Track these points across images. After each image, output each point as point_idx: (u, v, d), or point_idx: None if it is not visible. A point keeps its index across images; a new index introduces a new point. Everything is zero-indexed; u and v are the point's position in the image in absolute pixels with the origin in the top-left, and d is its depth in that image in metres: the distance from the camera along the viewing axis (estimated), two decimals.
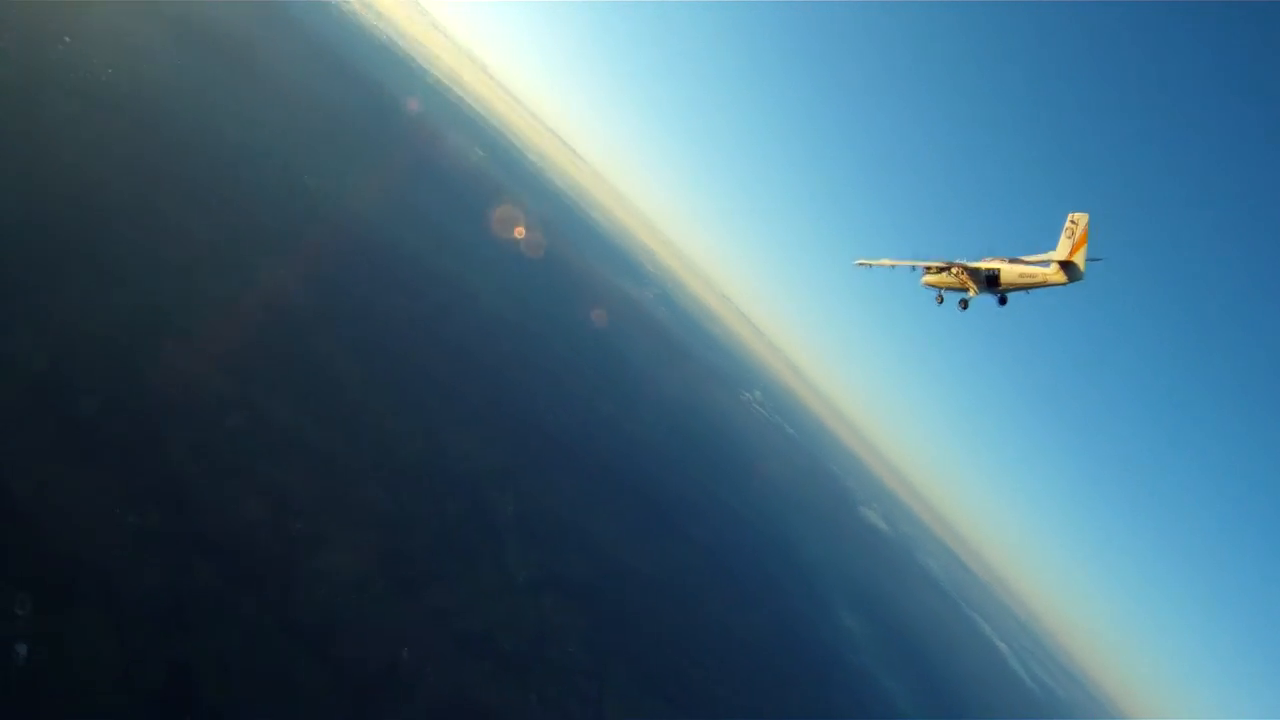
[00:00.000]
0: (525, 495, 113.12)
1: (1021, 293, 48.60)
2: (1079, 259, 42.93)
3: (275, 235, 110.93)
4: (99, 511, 58.44)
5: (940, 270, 52.31)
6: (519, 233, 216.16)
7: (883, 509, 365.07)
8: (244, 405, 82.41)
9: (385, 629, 75.87)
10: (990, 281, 49.01)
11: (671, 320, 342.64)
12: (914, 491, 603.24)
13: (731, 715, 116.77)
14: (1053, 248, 45.40)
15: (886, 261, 53.85)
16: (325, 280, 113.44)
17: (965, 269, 50.55)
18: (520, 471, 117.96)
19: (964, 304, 51.22)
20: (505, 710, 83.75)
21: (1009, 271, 47.79)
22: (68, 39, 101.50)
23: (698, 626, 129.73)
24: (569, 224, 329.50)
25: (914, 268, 53.54)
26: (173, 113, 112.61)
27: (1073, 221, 43.02)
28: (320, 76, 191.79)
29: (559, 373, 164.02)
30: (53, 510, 54.85)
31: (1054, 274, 44.61)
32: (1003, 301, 49.88)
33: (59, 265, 73.07)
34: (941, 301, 52.55)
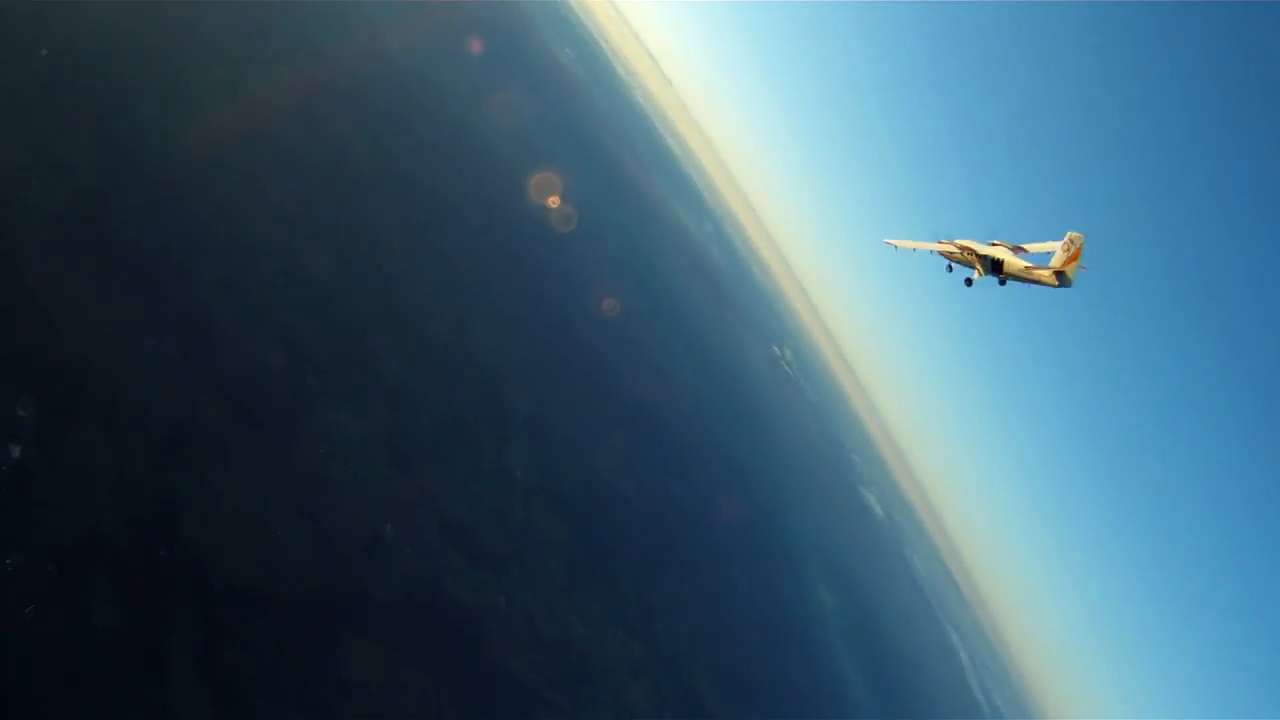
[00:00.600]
0: (540, 401, 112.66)
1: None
2: (1070, 271, 46.59)
3: (343, 92, 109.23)
4: (120, 329, 58.88)
5: (960, 248, 54.59)
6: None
7: (882, 494, 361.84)
8: (284, 251, 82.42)
9: (374, 500, 76.02)
10: (995, 266, 51.54)
11: (721, 259, 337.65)
12: (916, 484, 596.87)
13: (685, 658, 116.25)
14: (1056, 236, 48.65)
15: (912, 243, 56.76)
16: (387, 147, 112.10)
17: (974, 252, 53.08)
18: (541, 377, 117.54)
19: (969, 281, 53.67)
20: (474, 606, 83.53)
21: (1012, 263, 50.44)
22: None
23: (674, 566, 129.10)
24: (643, 143, 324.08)
25: (950, 267, 55.78)
26: None
27: (1071, 241, 46.26)
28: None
29: (599, 290, 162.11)
30: (74, 320, 55.31)
31: (1048, 276, 47.70)
32: (1002, 283, 52.26)
33: (119, 74, 71.98)
34: (951, 270, 55.22)
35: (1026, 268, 49.06)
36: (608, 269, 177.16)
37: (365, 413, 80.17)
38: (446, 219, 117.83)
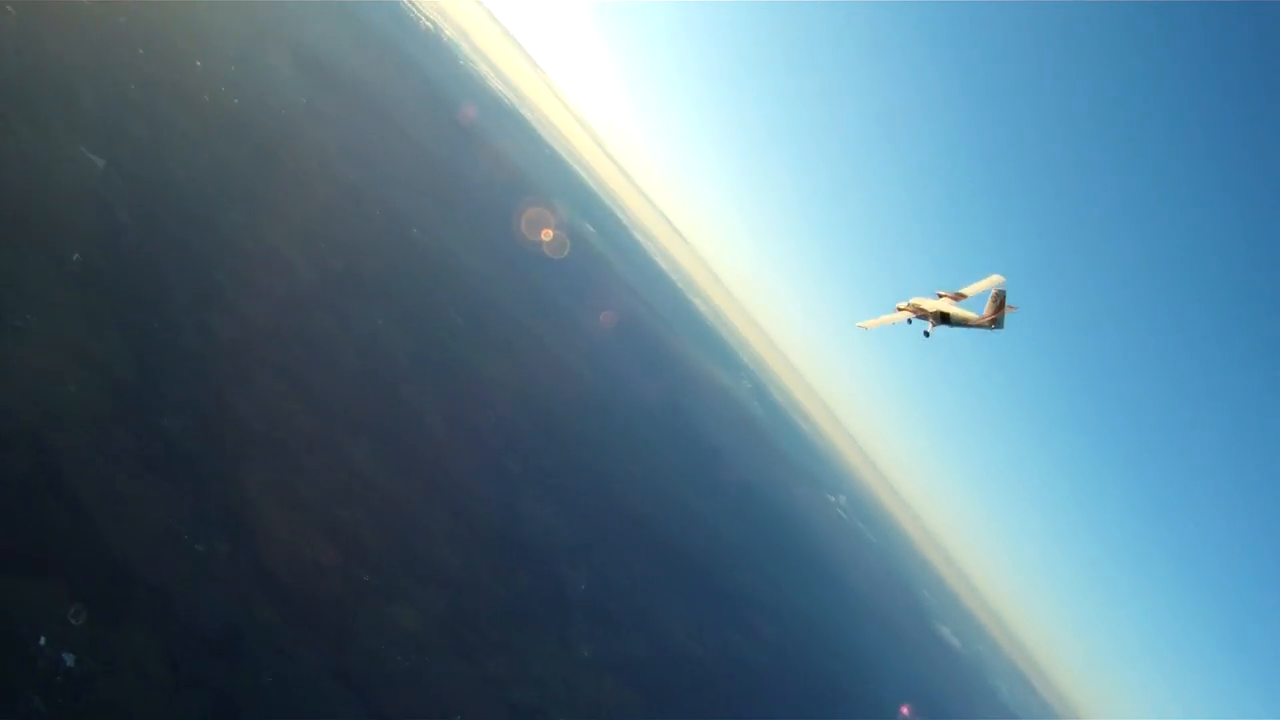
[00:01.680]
0: (598, 572, 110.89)
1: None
2: (1000, 317, 51.82)
3: (377, 282, 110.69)
4: (167, 532, 57.95)
5: (910, 306, 58.18)
6: (605, 319, 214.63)
7: (957, 626, 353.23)
8: (327, 446, 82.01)
9: (439, 691, 73.60)
10: (943, 319, 55.50)
11: (763, 413, 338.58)
12: (989, 609, 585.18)
13: None
14: (988, 269, 57.42)
15: (879, 320, 60.53)
16: (423, 333, 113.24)
17: (923, 310, 57.01)
18: (596, 548, 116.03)
19: (926, 334, 57.28)
20: None
21: (955, 314, 54.80)
22: (199, 63, 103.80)
23: None
24: (669, 304, 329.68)
25: (910, 320, 58.72)
26: (292, 147, 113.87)
27: (994, 295, 51.36)
28: (442, 129, 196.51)
29: (644, 454, 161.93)
30: (120, 524, 54.49)
31: (985, 322, 52.62)
32: (928, 332, 57.13)
33: (162, 279, 73.68)
34: (928, 335, 57.88)
35: (965, 317, 53.88)
36: (651, 433, 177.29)
37: (421, 603, 78.36)
38: (485, 399, 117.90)
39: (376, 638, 70.65)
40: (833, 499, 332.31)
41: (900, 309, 58.72)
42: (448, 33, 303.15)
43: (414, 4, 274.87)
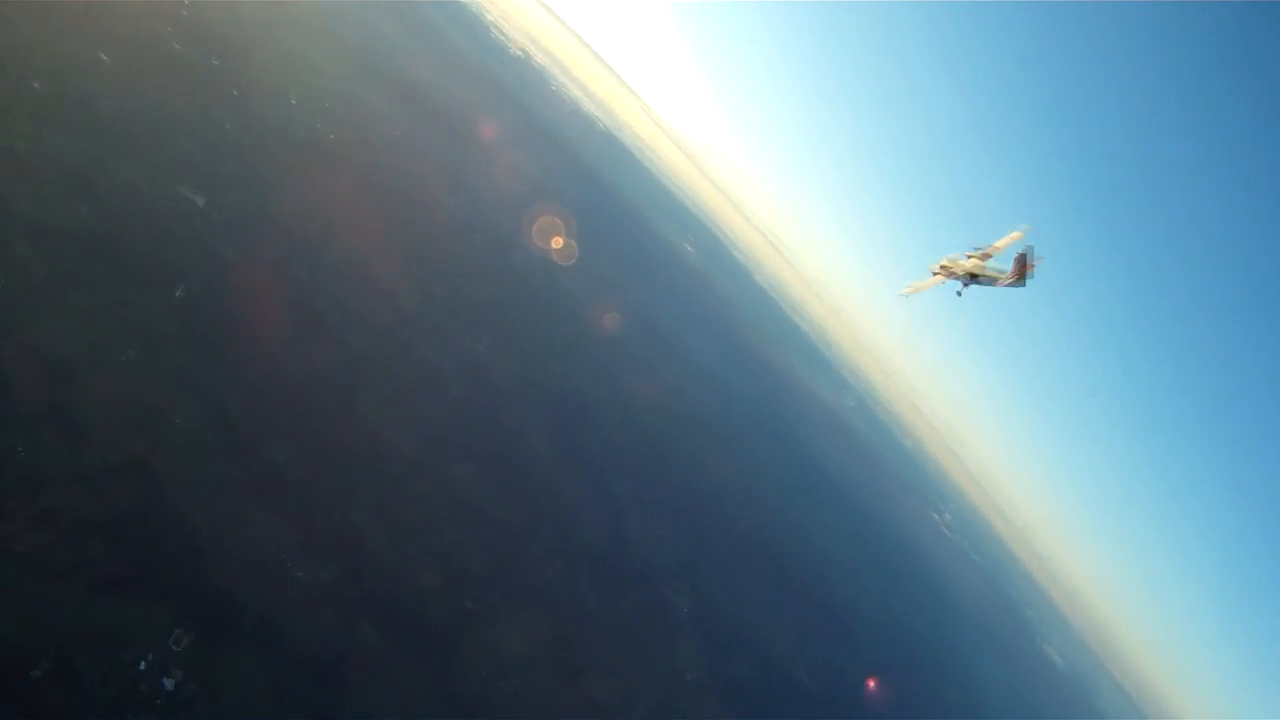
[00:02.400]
0: (703, 595, 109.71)
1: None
2: (1023, 276, 55.17)
3: (479, 308, 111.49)
4: (272, 558, 58.67)
5: (942, 269, 62.83)
6: (708, 338, 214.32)
7: (1062, 644, 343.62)
8: (431, 471, 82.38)
9: (544, 714, 72.92)
10: (971, 278, 59.77)
11: (868, 430, 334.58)
12: (1094, 626, 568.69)
13: None
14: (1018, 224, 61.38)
15: (922, 284, 64.70)
16: (525, 356, 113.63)
17: (953, 271, 61.45)
18: (701, 569, 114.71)
19: (959, 293, 61.84)
20: None
21: (983, 273, 58.92)
22: (294, 100, 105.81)
23: None
24: (772, 322, 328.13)
25: (946, 280, 63.01)
26: (390, 178, 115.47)
27: (1019, 255, 54.97)
28: (538, 154, 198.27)
29: (750, 472, 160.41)
30: (225, 551, 55.29)
31: (1009, 280, 56.25)
32: (965, 286, 61.30)
33: (265, 311, 75.12)
34: (960, 294, 62.41)
35: (993, 276, 58.20)
36: (757, 451, 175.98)
37: (524, 627, 78.04)
38: (589, 420, 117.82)
39: (479, 662, 70.50)
40: (938, 516, 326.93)
41: (935, 272, 63.39)
42: (538, 59, 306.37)
43: (503, 33, 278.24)
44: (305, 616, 57.58)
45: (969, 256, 60.49)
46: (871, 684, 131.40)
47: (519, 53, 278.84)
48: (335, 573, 62.38)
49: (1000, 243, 60.36)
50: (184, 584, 50.77)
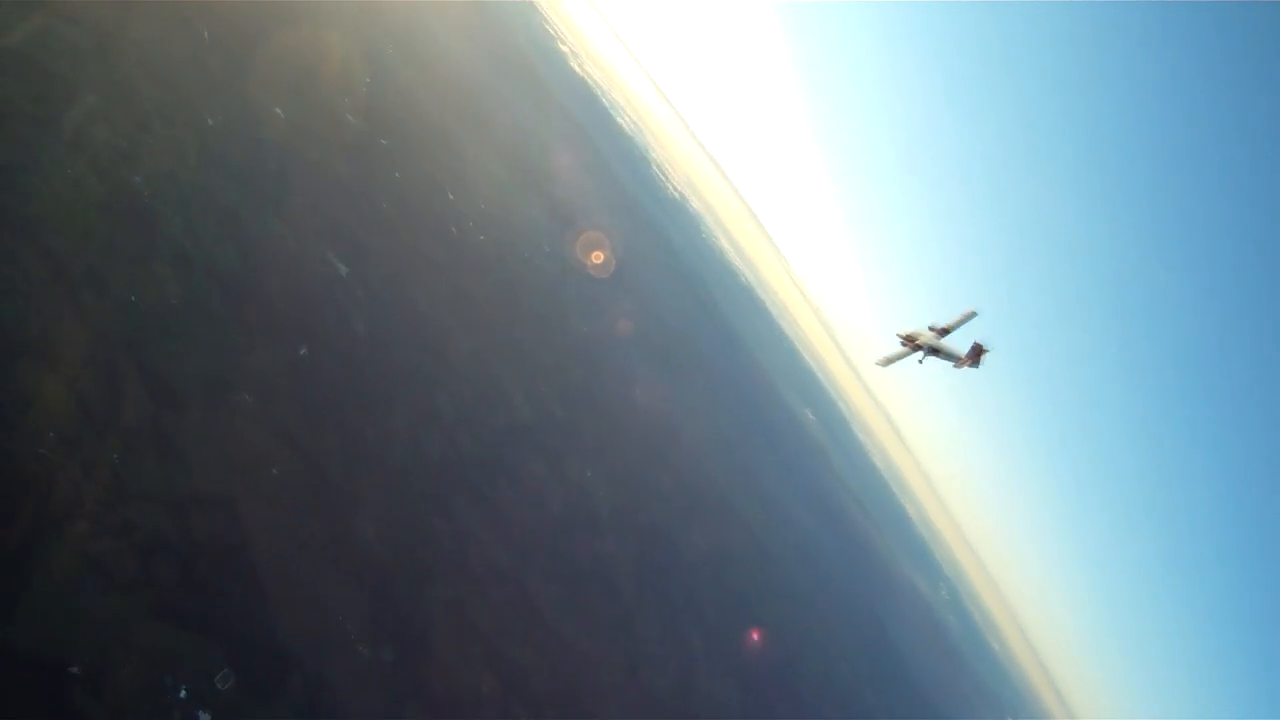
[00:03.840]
0: None
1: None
2: (977, 360, 61.52)
3: (594, 436, 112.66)
4: (336, 627, 57.81)
5: (907, 339, 67.06)
6: (814, 512, 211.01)
7: None
8: (514, 581, 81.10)
9: None
10: (931, 350, 64.61)
11: (958, 627, 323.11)
12: None
13: None
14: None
15: (894, 356, 68.53)
16: (631, 492, 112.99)
17: (916, 343, 65.92)
18: None
19: (920, 361, 66.30)
20: None
21: (941, 348, 64.04)
22: (451, 195, 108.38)
23: None
24: (879, 503, 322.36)
25: (920, 360, 67.35)
26: (530, 291, 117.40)
27: (975, 344, 61.26)
28: (679, 298, 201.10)
29: (831, 652, 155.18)
30: (291, 607, 54.60)
31: (964, 363, 62.46)
32: (921, 359, 66.51)
33: (383, 389, 76.31)
34: (921, 363, 66.82)
35: (951, 353, 63.68)
36: (842, 632, 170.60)
37: None
38: (681, 570, 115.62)
39: None
40: None
41: (901, 340, 68.10)
42: (694, 204, 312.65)
43: (664, 174, 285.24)
44: (356, 691, 56.23)
45: (931, 329, 66.28)
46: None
47: (676, 194, 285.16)
48: (395, 656, 60.96)
49: (954, 321, 66.71)
50: (243, 628, 50.14)
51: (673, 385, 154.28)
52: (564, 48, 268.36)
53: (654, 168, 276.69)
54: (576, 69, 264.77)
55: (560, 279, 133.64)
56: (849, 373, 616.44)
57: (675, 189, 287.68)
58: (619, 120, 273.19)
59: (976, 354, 61.84)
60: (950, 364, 65.86)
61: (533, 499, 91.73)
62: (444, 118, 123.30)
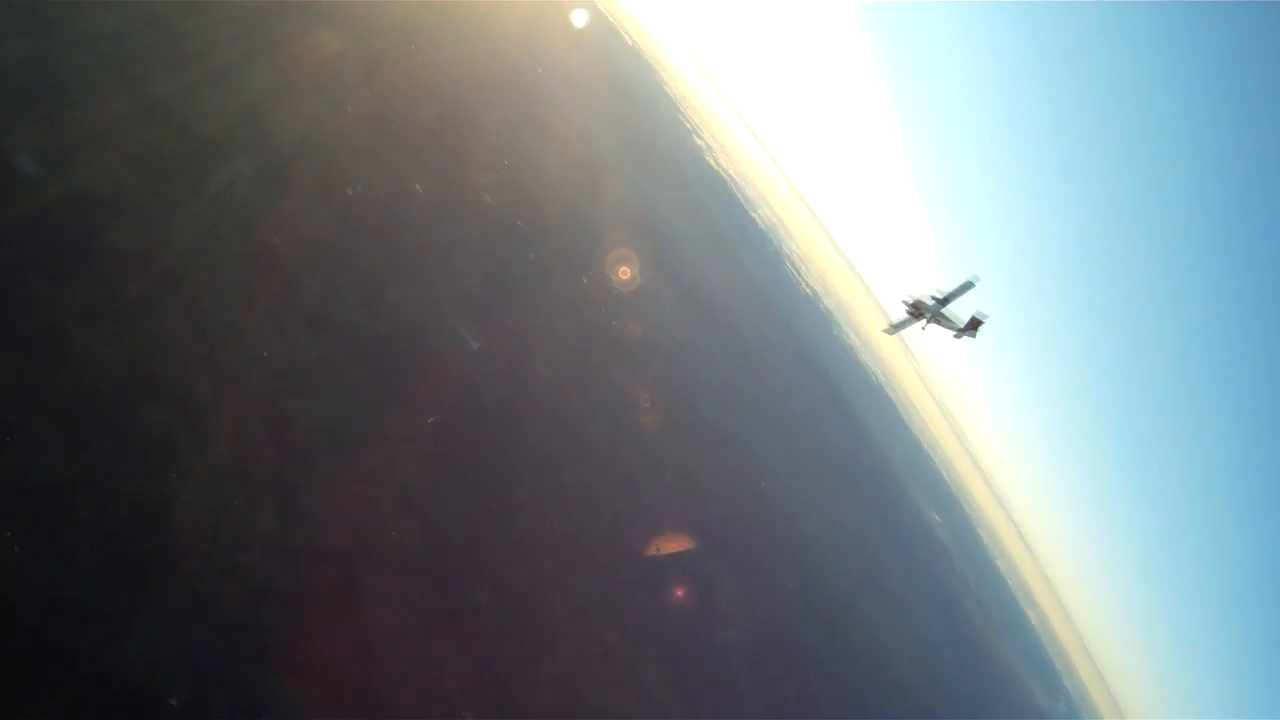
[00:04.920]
0: None
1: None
2: (974, 330, 65.34)
3: (717, 535, 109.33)
4: (441, 693, 56.50)
5: (913, 305, 72.07)
6: (933, 612, 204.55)
7: None
8: (628, 666, 78.77)
9: None
10: (934, 318, 68.69)
11: None
12: None
13: None
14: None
15: (904, 322, 75.66)
16: (756, 597, 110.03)
17: (919, 308, 71.23)
18: None
19: (923, 328, 71.84)
20: None
21: (943, 316, 68.42)
22: (584, 279, 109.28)
23: None
24: (1000, 608, 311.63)
25: (924, 326, 73.25)
26: (664, 379, 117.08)
27: (973, 318, 65.76)
28: (812, 396, 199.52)
29: None
30: (397, 666, 53.77)
31: (964, 332, 65.89)
32: (925, 325, 71.91)
33: (518, 467, 76.28)
34: (924, 329, 72.00)
35: (952, 321, 68.26)
36: None
37: None
38: (795, 656, 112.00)
39: None
40: None
41: (907, 307, 73.40)
42: (826, 301, 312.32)
43: (797, 270, 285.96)
44: None
45: (933, 299, 70.57)
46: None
47: (809, 291, 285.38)
48: None
49: (953, 289, 69.31)
50: (344, 686, 49.63)
51: (800, 479, 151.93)
52: (701, 141, 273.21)
53: (788, 264, 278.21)
54: (712, 163, 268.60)
55: (689, 367, 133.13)
56: (974, 472, 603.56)
57: (808, 286, 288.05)
58: (754, 215, 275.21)
59: (974, 325, 67.83)
60: (952, 334, 70.71)
61: (653, 585, 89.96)
62: (581, 204, 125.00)
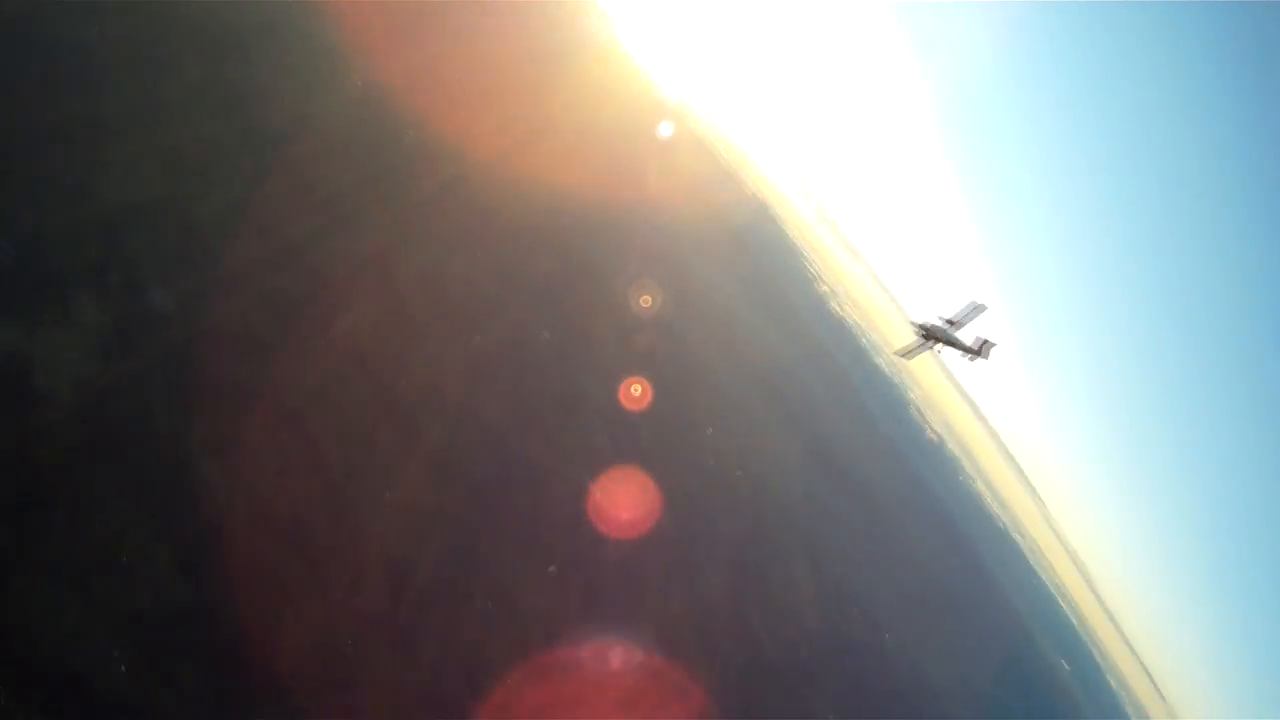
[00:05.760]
0: None
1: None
2: (984, 351, 66.09)
3: (829, 669, 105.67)
4: None
5: (922, 329, 71.60)
6: None
7: None
8: None
9: None
10: (945, 341, 68.23)
11: None
12: None
13: None
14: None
15: (913, 348, 74.38)
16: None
17: (929, 333, 70.67)
18: None
19: (937, 351, 71.35)
20: None
21: (952, 340, 67.87)
22: (711, 430, 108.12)
23: None
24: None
25: (936, 350, 72.89)
26: (778, 531, 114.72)
27: (985, 341, 65.94)
28: (936, 545, 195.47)
29: None
30: None
31: (971, 352, 67.18)
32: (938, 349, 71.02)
33: (617, 609, 73.81)
34: (939, 352, 71.93)
35: (960, 344, 68.07)
36: None
37: None
38: None
39: None
40: None
41: (916, 331, 73.09)
42: (951, 447, 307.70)
43: (922, 415, 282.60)
44: None
45: (943, 321, 70.11)
46: None
47: (933, 437, 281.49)
48: None
49: (960, 313, 70.36)
50: None
51: (925, 631, 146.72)
52: (824, 288, 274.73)
53: (912, 410, 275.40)
54: (835, 309, 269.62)
55: (816, 519, 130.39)
56: (1103, 617, 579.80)
57: (932, 432, 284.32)
58: (878, 362, 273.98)
59: (982, 347, 68.44)
60: (965, 357, 71.77)
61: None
62: (706, 353, 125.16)
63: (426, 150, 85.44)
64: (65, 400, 39.91)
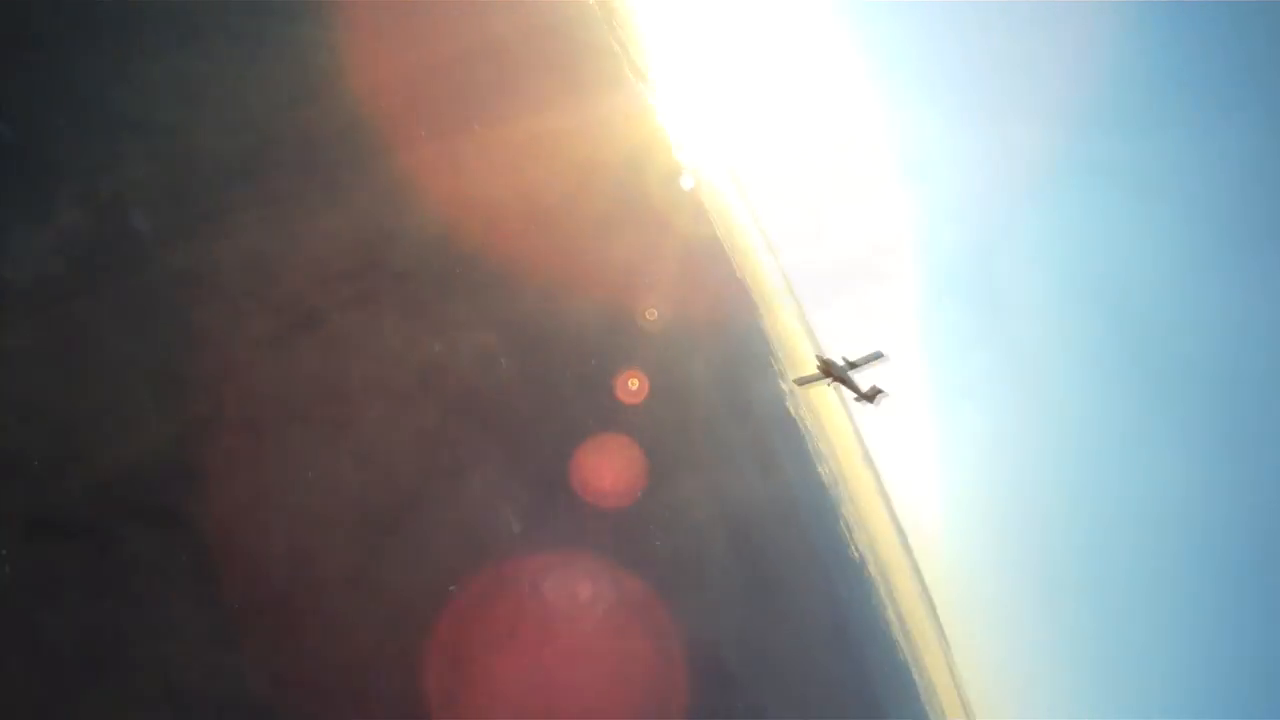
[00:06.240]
0: None
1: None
2: (874, 397, 69.84)
3: None
4: None
5: (822, 364, 74.23)
6: None
7: None
8: None
9: None
10: (840, 380, 71.39)
11: None
12: None
13: None
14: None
15: (811, 377, 76.14)
16: None
17: (827, 369, 73.10)
18: None
19: (829, 384, 73.15)
20: None
21: (847, 381, 71.01)
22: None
23: None
24: None
25: (828, 383, 74.52)
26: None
27: (876, 389, 70.11)
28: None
29: None
30: None
31: (863, 396, 70.24)
32: (831, 383, 73.92)
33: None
34: (830, 386, 74.29)
35: (855, 386, 70.82)
36: None
37: None
38: None
39: None
40: None
41: (818, 364, 75.03)
42: (870, 568, 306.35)
43: (849, 529, 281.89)
44: None
45: (843, 360, 72.63)
46: None
47: (855, 555, 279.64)
48: None
49: (862, 358, 72.85)
50: None
51: None
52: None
53: (840, 525, 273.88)
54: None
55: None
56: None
57: (854, 550, 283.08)
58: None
59: (873, 393, 70.70)
60: (856, 398, 73.83)
61: None
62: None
63: None
64: None
